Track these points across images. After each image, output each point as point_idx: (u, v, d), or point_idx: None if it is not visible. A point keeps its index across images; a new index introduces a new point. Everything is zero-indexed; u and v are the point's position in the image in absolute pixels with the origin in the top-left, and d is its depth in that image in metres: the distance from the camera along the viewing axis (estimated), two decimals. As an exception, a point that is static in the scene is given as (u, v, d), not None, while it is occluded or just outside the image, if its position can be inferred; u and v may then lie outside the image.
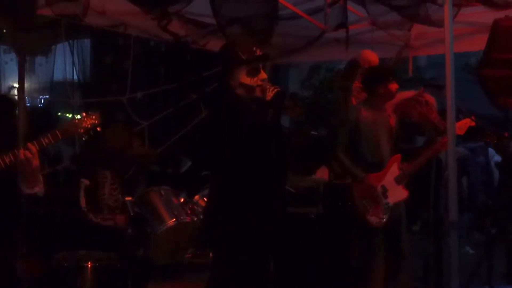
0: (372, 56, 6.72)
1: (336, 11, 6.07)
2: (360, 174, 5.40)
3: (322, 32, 6.68)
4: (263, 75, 3.81)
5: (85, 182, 5.45)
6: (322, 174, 6.92)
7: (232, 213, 3.69)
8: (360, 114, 5.50)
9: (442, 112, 5.49)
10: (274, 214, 3.75)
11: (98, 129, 3.57)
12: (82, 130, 3.54)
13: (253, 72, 3.78)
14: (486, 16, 5.91)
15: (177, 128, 7.99)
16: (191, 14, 6.43)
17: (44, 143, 3.44)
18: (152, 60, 13.05)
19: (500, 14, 5.53)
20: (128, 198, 5.63)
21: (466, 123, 5.66)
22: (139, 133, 7.37)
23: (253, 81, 3.77)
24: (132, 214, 5.47)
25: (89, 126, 3.56)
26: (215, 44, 7.09)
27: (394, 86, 5.51)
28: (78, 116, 3.59)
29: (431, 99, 6.08)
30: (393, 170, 5.43)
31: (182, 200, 5.73)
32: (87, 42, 14.37)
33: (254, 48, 3.80)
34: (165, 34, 6.48)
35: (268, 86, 3.77)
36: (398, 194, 5.42)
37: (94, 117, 3.57)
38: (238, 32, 5.26)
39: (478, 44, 6.19)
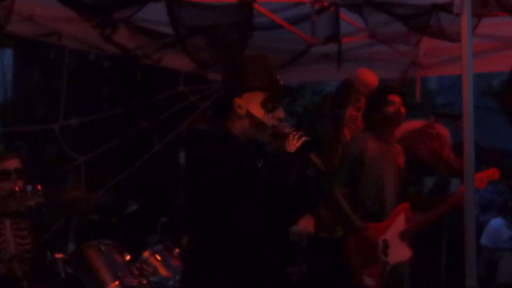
0: (370, 77, 6.77)
1: (326, 20, 6.14)
2: (359, 223, 5.40)
3: (308, 46, 6.75)
4: (281, 113, 3.46)
5: None
6: (306, 225, 6.92)
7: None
8: (366, 146, 5.51)
9: (458, 148, 5.53)
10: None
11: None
12: (22, 207, 3.47)
13: (271, 105, 3.42)
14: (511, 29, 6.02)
15: (123, 166, 7.96)
16: (142, 22, 6.45)
17: None
18: (92, 78, 13.06)
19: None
20: (58, 255, 5.57)
21: (489, 175, 5.60)
22: (73, 171, 7.33)
23: (267, 117, 3.42)
24: (63, 275, 5.43)
25: (32, 204, 3.49)
26: (171, 60, 7.13)
27: (402, 109, 5.52)
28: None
29: (443, 131, 6.13)
30: (399, 223, 5.45)
31: (127, 257, 5.70)
32: (9, 55, 14.32)
33: (277, 76, 3.47)
34: (109, 46, 6.49)
35: (287, 130, 3.41)
36: (401, 252, 5.44)
37: (40, 193, 3.51)
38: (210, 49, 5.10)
39: (502, 63, 6.30)
